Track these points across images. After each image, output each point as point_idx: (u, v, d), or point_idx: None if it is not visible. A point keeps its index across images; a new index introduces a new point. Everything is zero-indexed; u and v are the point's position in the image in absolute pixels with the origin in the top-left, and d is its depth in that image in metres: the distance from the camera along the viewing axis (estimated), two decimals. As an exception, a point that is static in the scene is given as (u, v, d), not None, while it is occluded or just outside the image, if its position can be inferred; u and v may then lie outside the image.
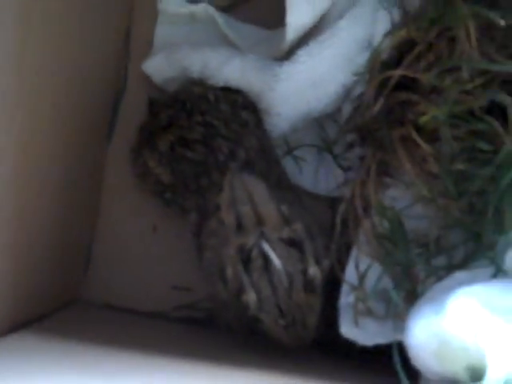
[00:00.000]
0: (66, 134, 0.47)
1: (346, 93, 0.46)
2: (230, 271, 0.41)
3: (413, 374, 0.36)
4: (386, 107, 0.41)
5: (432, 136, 0.39)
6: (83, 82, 0.48)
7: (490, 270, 0.37)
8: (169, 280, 0.54)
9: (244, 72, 0.48)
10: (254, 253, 0.40)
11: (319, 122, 0.49)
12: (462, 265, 0.38)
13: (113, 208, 0.56)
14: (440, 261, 0.40)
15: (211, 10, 0.53)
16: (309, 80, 0.46)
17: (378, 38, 0.43)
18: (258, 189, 0.42)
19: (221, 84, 0.49)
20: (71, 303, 0.53)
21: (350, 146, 0.45)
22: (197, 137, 0.48)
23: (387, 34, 0.42)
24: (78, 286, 0.55)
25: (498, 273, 0.36)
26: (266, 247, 0.40)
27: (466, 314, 0.34)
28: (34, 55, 0.39)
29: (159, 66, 0.52)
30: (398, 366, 0.35)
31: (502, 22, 0.35)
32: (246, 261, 0.41)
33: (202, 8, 0.53)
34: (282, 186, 0.46)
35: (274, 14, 0.50)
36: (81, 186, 0.52)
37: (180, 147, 0.48)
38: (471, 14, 0.35)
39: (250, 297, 0.40)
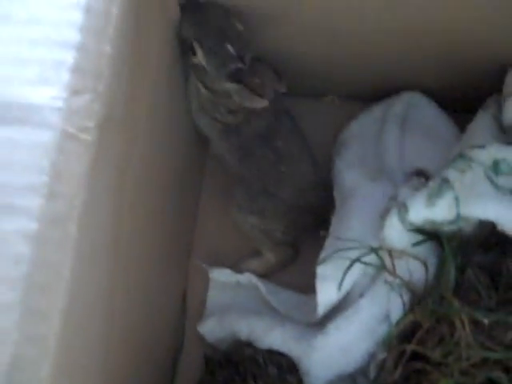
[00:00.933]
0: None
1: (372, 357, 0.54)
2: None
3: None
4: (404, 374, 0.49)
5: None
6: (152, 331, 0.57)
7: None
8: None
9: (284, 340, 0.56)
10: None
11: (352, 376, 0.56)
12: None
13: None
14: None
15: (254, 279, 0.64)
16: (339, 349, 0.54)
17: (393, 314, 0.52)
18: None
19: (265, 347, 0.58)
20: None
21: None
22: None
23: (400, 314, 0.51)
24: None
25: None
26: None
27: None
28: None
29: (212, 328, 0.62)
30: None
31: (486, 321, 0.45)
32: None
33: (246, 277, 0.65)
34: None
35: (307, 279, 0.59)
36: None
37: None
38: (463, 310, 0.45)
39: None
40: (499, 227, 0.48)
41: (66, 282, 0.36)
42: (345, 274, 0.51)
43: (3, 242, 0.35)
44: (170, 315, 0.65)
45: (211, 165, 0.72)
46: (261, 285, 0.64)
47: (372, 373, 0.53)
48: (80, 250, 0.37)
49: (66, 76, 0.38)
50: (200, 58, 0.56)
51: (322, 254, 0.55)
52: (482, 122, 0.59)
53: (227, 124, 0.61)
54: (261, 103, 0.54)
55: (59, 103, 0.38)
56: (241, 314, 0.60)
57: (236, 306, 0.63)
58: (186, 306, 0.68)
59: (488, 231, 0.51)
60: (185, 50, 0.56)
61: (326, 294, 0.53)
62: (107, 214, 0.42)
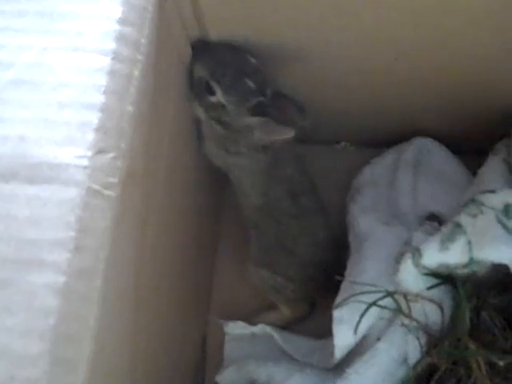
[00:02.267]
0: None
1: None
2: None
3: None
4: None
5: None
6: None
7: None
8: None
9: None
10: None
11: None
12: None
13: None
14: None
15: (268, 329, 0.66)
16: None
17: (411, 356, 0.53)
18: None
19: None
20: None
21: None
22: None
23: (417, 357, 0.52)
24: None
25: None
26: None
27: None
28: None
29: (230, 377, 0.63)
30: None
31: (501, 363, 0.46)
32: None
33: (260, 328, 0.66)
34: None
35: (324, 329, 0.60)
36: None
37: None
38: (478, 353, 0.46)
39: None
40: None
41: (93, 331, 0.37)
42: (361, 317, 0.52)
43: (33, 294, 0.36)
44: (190, 364, 0.66)
45: (229, 216, 0.73)
46: (276, 334, 0.65)
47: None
48: (105, 301, 0.39)
49: (90, 136, 0.40)
50: (219, 96, 0.55)
51: (338, 298, 0.56)
52: (492, 167, 0.61)
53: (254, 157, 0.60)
54: (287, 133, 0.53)
55: (84, 162, 0.40)
56: (259, 363, 0.61)
57: (253, 356, 0.63)
58: (205, 355, 0.68)
59: (502, 273, 0.52)
60: (198, 91, 0.56)
61: (343, 337, 0.54)
62: (130, 265, 0.44)
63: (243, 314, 0.69)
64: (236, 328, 0.67)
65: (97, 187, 0.40)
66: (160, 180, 0.50)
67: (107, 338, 0.39)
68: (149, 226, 0.49)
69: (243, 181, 0.62)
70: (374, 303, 0.52)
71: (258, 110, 0.54)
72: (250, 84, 0.55)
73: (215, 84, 0.55)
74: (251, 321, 0.68)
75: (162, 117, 0.49)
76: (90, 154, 0.40)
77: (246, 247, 0.66)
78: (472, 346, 0.47)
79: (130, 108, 0.43)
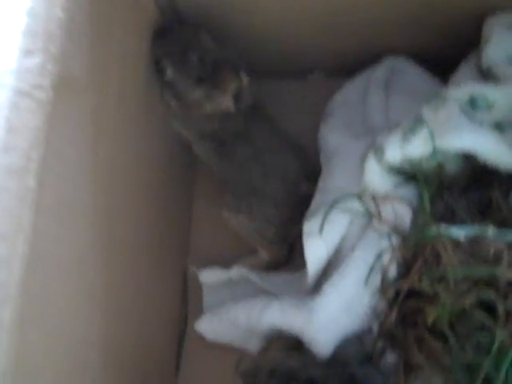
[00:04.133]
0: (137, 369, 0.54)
1: (375, 312, 0.52)
2: None
3: None
4: (402, 314, 0.48)
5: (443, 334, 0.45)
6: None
7: None
8: None
9: (283, 312, 0.55)
10: None
11: (359, 338, 0.54)
12: None
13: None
14: None
15: (244, 270, 0.64)
16: (340, 307, 0.52)
17: (385, 259, 0.51)
18: None
19: (265, 328, 0.56)
20: None
21: (382, 352, 0.51)
22: None
23: (391, 257, 0.50)
24: None
25: None
26: None
27: None
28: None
29: (209, 324, 0.62)
30: None
31: (462, 239, 0.43)
32: None
33: (236, 271, 0.64)
34: None
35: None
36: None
37: None
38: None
39: None
40: (479, 158, 0.46)
41: (26, 232, 0.36)
42: (329, 222, 0.50)
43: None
44: (173, 313, 0.65)
45: (202, 166, 0.71)
46: (252, 275, 0.63)
47: (374, 328, 0.51)
48: (41, 203, 0.37)
49: (18, 39, 0.39)
50: (170, 74, 0.57)
51: (308, 213, 0.53)
52: (463, 72, 0.58)
53: (203, 131, 0.61)
54: (225, 98, 0.56)
55: (12, 64, 0.38)
56: (237, 304, 0.59)
57: (232, 299, 0.61)
58: (187, 304, 0.67)
59: (471, 171, 0.49)
60: (158, 70, 0.58)
61: (314, 249, 0.52)
62: (76, 173, 0.42)
63: (222, 262, 0.67)
64: (211, 276, 0.66)
65: (26, 89, 0.38)
66: (111, 99, 0.49)
67: (44, 241, 0.37)
68: (100, 146, 0.47)
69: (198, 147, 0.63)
70: (339, 205, 0.49)
71: (200, 82, 0.56)
72: (193, 57, 0.57)
73: (167, 63, 0.57)
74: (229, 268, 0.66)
75: (106, 32, 0.48)
76: (17, 56, 0.38)
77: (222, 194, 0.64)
78: (434, 227, 0.44)
79: (59, 12, 0.41)
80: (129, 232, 0.53)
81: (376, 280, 0.51)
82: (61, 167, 0.41)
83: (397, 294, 0.49)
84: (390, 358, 0.51)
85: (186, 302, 0.66)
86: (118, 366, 0.51)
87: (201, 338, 0.63)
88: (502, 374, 0.42)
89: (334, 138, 0.60)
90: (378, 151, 0.49)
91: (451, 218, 0.49)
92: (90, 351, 0.46)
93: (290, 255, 0.66)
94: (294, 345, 0.57)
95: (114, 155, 0.50)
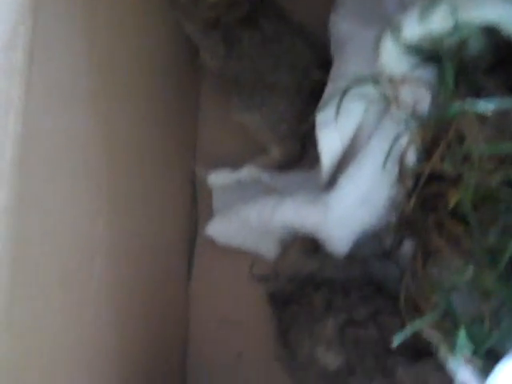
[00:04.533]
0: (151, 273, 0.53)
1: (394, 203, 0.50)
2: None
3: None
4: (422, 200, 0.46)
5: (466, 221, 0.43)
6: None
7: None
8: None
9: (297, 209, 0.52)
10: None
11: (377, 235, 0.52)
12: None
13: (199, 341, 0.60)
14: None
15: (254, 170, 0.60)
16: (356, 201, 0.49)
17: (403, 143, 0.48)
18: None
19: (278, 226, 0.54)
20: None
21: (400, 242, 0.48)
22: (365, 315, 0.49)
23: (409, 141, 0.47)
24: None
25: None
26: None
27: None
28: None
29: (220, 226, 0.59)
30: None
31: (489, 113, 0.40)
32: None
33: (245, 171, 0.61)
34: None
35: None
36: (168, 324, 0.57)
37: (350, 328, 0.49)
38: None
39: None
40: (503, 32, 0.42)
41: (17, 110, 0.33)
42: (343, 111, 0.46)
43: None
44: (182, 217, 0.63)
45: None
46: (263, 174, 0.60)
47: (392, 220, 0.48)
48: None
49: None
50: None
51: (321, 103, 0.50)
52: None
53: (207, 20, 0.57)
54: None
55: None
56: (247, 204, 0.57)
57: (242, 203, 0.58)
58: (196, 208, 0.64)
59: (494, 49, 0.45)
60: None
61: (329, 141, 0.50)
62: (67, 51, 0.39)
63: (231, 164, 0.63)
64: (221, 178, 0.62)
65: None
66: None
67: (35, 123, 0.35)
68: (97, 32, 0.44)
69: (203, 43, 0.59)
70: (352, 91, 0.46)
71: None
72: None
73: None
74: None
75: None
76: None
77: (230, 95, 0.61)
78: (457, 101, 0.41)
79: None
80: (131, 127, 0.50)
81: (394, 169, 0.48)
82: (52, 45, 0.38)
83: (416, 181, 0.46)
84: (408, 247, 0.49)
85: (196, 206, 0.64)
86: (125, 270, 0.49)
87: (212, 244, 0.61)
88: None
89: (345, 25, 0.56)
90: (395, 30, 0.45)
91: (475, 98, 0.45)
92: (96, 249, 0.45)
93: (303, 152, 0.62)
94: (310, 247, 0.55)
95: (112, 43, 0.47)
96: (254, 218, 0.56)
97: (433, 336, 0.44)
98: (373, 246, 0.54)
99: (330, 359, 0.49)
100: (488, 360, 0.42)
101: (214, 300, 0.61)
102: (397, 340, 0.42)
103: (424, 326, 0.43)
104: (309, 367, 0.51)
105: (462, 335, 0.40)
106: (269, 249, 0.59)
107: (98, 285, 0.45)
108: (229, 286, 0.61)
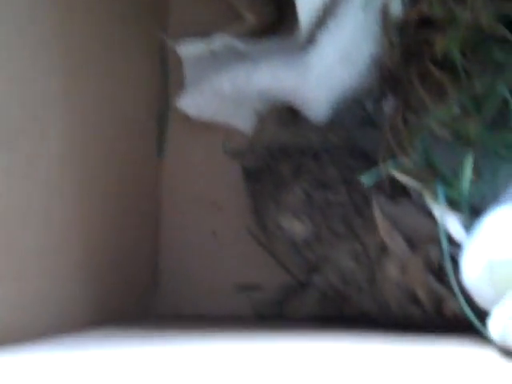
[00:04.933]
0: (117, 150, 0.50)
1: (375, 62, 0.47)
2: (421, 290, 0.42)
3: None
4: (406, 50, 0.44)
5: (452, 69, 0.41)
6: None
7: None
8: (235, 280, 0.56)
9: (273, 73, 0.50)
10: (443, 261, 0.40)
11: (358, 100, 0.50)
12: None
13: (172, 220, 0.57)
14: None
15: (228, 39, 0.56)
16: (336, 58, 0.47)
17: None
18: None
19: (254, 93, 0.51)
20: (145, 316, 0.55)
21: (382, 96, 0.47)
22: (334, 176, 0.47)
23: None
24: (151, 299, 0.56)
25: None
26: (456, 253, 0.39)
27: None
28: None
29: (191, 98, 0.55)
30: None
31: None
32: (438, 272, 0.41)
33: (219, 39, 0.56)
34: None
35: None
36: (139, 203, 0.54)
37: (318, 191, 0.47)
38: None
39: (453, 304, 0.40)
40: None
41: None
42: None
43: None
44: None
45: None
46: (237, 41, 0.55)
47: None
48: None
49: None
50: None
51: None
52: None
53: None
54: None
55: None
56: (220, 73, 0.53)
57: (215, 73, 0.54)
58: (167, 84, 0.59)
59: None
60: None
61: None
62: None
63: (203, 33, 0.58)
64: (191, 48, 0.57)
65: None
66: None
67: None
68: None
69: None
70: None
71: None
72: None
73: None
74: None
75: None
76: None
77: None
78: None
79: None
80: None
81: (376, 23, 0.45)
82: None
83: (401, 30, 0.44)
84: (390, 109, 0.46)
85: (167, 80, 0.60)
86: (90, 147, 0.46)
87: (185, 120, 0.57)
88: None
89: None
90: None
91: None
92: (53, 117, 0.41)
93: (279, 17, 0.58)
94: (288, 117, 0.53)
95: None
96: (227, 86, 0.53)
97: (411, 182, 0.41)
98: (354, 114, 0.52)
99: (297, 227, 0.47)
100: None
101: (188, 178, 0.58)
102: (366, 179, 0.40)
103: (399, 170, 0.40)
104: (278, 238, 0.49)
105: (440, 185, 0.38)
106: (244, 121, 0.56)
107: (60, 164, 0.42)
108: (203, 164, 0.58)
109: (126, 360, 0.31)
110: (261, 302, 0.55)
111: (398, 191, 0.43)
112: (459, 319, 0.39)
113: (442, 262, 0.40)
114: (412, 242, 0.42)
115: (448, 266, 0.39)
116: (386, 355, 0.33)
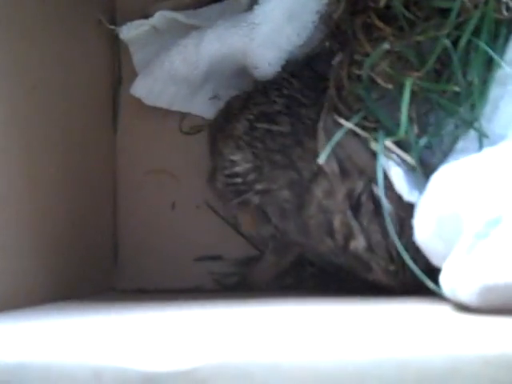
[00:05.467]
0: (73, 127, 0.49)
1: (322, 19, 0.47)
2: (337, 220, 0.42)
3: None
4: (351, 3, 0.44)
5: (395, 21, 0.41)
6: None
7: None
8: (195, 253, 0.56)
9: (220, 37, 0.49)
10: (364, 198, 0.41)
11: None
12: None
13: (130, 193, 0.57)
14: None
15: (168, 13, 0.54)
16: (283, 16, 0.47)
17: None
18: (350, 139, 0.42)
19: (205, 58, 0.50)
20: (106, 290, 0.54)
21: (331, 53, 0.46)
22: (279, 108, 0.48)
23: None
24: (111, 274, 0.56)
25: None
26: (378, 191, 0.39)
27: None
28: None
29: (146, 86, 0.54)
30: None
31: None
32: (356, 207, 0.41)
33: (159, 16, 0.54)
34: None
35: None
36: (97, 178, 0.53)
37: (262, 123, 0.48)
38: None
39: (360, 243, 0.41)
40: None
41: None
42: None
43: None
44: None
45: None
46: (177, 14, 0.53)
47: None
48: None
49: None
50: None
51: None
52: None
53: None
54: None
55: None
56: (169, 49, 0.52)
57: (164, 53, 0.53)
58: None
59: None
60: None
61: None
62: None
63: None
64: (132, 29, 0.55)
65: None
66: None
67: None
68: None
69: None
70: None
71: None
72: None
73: None
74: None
75: None
76: None
77: None
78: None
79: None
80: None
81: None
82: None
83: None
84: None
85: (119, 66, 0.58)
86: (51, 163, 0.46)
87: (139, 107, 0.56)
88: (462, 45, 0.36)
89: None
90: None
91: None
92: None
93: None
94: None
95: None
96: (179, 64, 0.51)
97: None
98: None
99: (238, 157, 0.47)
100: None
101: (145, 152, 0.57)
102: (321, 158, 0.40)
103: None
104: (227, 191, 0.50)
105: (381, 138, 0.38)
106: (202, 108, 0.56)
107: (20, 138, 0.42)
108: (159, 137, 0.57)
109: (83, 330, 0.31)
110: (222, 273, 0.55)
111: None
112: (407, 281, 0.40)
113: (362, 197, 0.40)
114: (345, 170, 0.42)
115: (384, 204, 0.39)
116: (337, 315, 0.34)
